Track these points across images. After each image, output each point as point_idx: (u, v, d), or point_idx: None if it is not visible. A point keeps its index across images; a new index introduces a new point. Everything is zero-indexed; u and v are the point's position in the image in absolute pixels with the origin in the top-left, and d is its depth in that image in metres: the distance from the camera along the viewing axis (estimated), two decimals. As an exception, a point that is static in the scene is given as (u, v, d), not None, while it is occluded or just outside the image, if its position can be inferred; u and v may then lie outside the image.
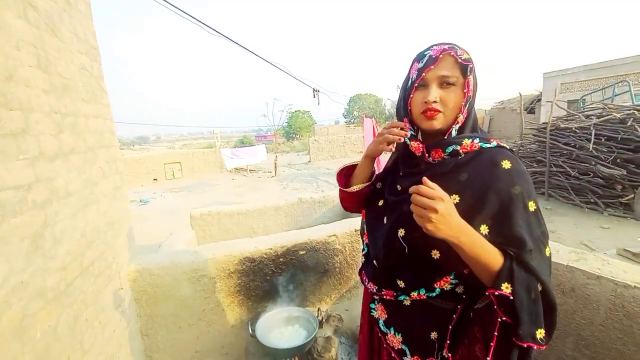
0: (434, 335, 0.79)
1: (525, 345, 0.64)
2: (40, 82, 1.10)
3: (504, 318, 0.66)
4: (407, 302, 0.82)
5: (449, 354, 0.76)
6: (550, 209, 5.70)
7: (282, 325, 1.93)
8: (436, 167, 0.79)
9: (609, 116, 5.25)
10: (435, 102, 0.74)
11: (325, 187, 9.77)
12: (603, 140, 5.22)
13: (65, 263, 1.09)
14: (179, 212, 7.32)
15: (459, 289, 0.77)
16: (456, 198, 0.73)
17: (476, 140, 0.76)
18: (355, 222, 2.37)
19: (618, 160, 5.00)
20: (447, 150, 0.77)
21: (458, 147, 0.76)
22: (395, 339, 0.84)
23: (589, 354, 1.42)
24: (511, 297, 0.63)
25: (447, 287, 0.76)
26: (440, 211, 0.62)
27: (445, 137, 0.78)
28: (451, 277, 0.76)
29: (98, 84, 1.64)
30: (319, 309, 2.00)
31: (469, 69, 0.74)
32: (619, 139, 5.01)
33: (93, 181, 1.41)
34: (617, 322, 1.31)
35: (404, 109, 0.83)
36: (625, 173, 4.83)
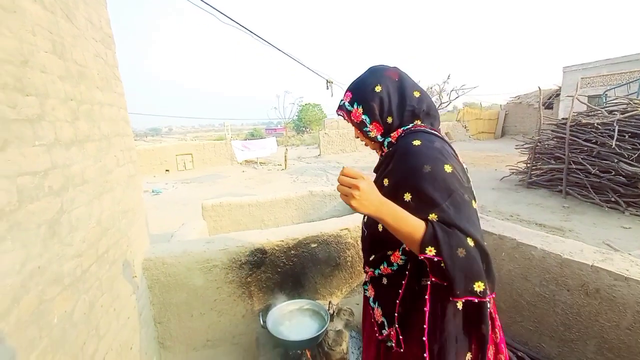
0: (396, 307, 0.88)
1: (464, 300, 0.72)
2: (56, 68, 1.10)
3: (433, 280, 0.74)
4: (385, 281, 0.93)
5: (397, 326, 0.85)
6: (567, 207, 5.52)
7: (292, 317, 1.93)
8: (382, 162, 0.96)
9: (635, 111, 5.02)
10: (357, 138, 1.01)
11: (335, 180, 9.73)
12: (627, 137, 5.00)
13: (81, 250, 1.09)
14: (190, 203, 7.42)
15: (408, 265, 0.85)
16: (386, 181, 0.86)
17: (400, 129, 0.91)
18: (368, 216, 2.33)
19: (642, 158, 4.79)
20: (385, 144, 0.95)
21: (390, 139, 0.93)
22: (378, 313, 0.95)
23: (612, 358, 1.36)
24: (436, 259, 0.70)
25: (400, 262, 0.87)
26: (362, 188, 0.71)
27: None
28: (400, 253, 0.87)
29: (112, 72, 1.63)
30: (330, 302, 1.99)
31: (340, 106, 0.98)
32: (644, 135, 4.79)
33: (108, 169, 1.42)
34: (645, 325, 1.25)
35: None
36: (649, 171, 4.64)
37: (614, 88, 8.74)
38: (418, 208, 0.76)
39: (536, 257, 1.64)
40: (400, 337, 0.85)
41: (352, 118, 0.95)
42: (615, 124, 5.06)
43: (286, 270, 2.05)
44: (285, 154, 13.01)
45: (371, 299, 0.99)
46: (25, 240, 0.87)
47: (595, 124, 5.43)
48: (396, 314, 0.85)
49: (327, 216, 4.18)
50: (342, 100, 0.98)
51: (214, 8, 3.53)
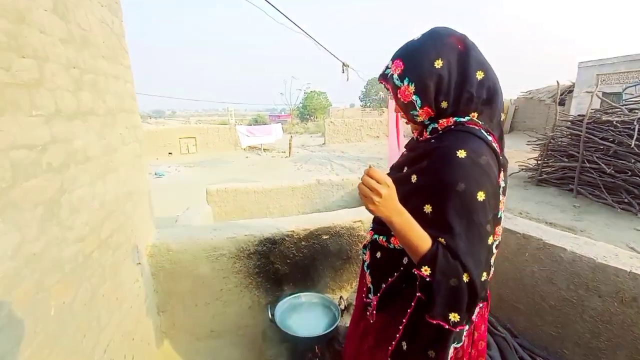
0: (383, 284, 0.89)
1: (435, 322, 0.71)
2: (57, 30, 0.97)
3: (418, 294, 0.73)
4: (379, 255, 0.93)
5: (374, 297, 0.89)
6: (579, 206, 5.40)
7: (301, 311, 1.85)
8: (417, 147, 0.87)
9: (657, 111, 4.83)
10: (397, 112, 0.87)
11: (340, 170, 9.61)
12: (646, 137, 4.83)
13: (83, 234, 1.00)
14: (194, 187, 7.34)
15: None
16: (414, 178, 0.80)
17: (452, 118, 0.79)
18: (382, 208, 2.23)
19: (661, 160, 4.63)
20: (428, 129, 0.83)
21: (436, 125, 0.81)
22: (368, 278, 0.96)
23: (646, 371, 1.28)
24: (428, 279, 0.70)
25: (399, 247, 0.83)
26: (384, 196, 0.68)
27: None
28: None
29: (119, 41, 1.50)
30: (341, 297, 1.91)
31: (385, 76, 0.82)
32: (665, 136, 4.62)
33: (113, 147, 1.31)
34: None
35: None
36: (668, 174, 4.49)
37: (635, 85, 8.45)
38: (432, 225, 0.73)
39: (565, 260, 1.54)
40: (374, 311, 0.89)
41: (399, 96, 0.79)
42: (636, 123, 4.88)
43: (296, 262, 1.96)
44: (290, 142, 12.85)
45: (366, 263, 1.00)
46: (19, 222, 0.77)
47: (615, 122, 5.25)
48: (383, 285, 0.88)
49: (333, 206, 4.09)
50: (387, 69, 0.81)
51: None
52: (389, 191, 0.69)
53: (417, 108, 0.79)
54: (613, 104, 5.79)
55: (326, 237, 2.01)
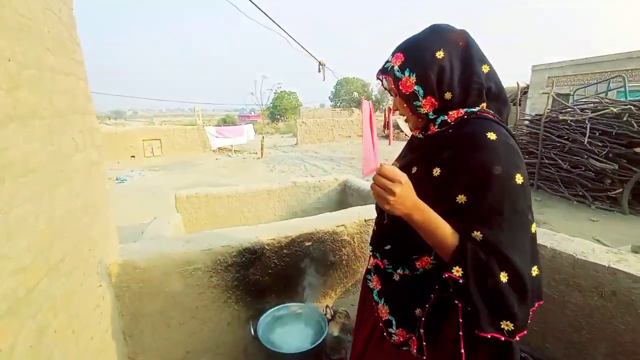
0: (418, 311, 0.80)
1: (489, 336, 0.63)
2: (-16, 14, 0.79)
3: (457, 302, 0.66)
4: (397, 277, 0.85)
5: (422, 330, 0.77)
6: (540, 200, 5.76)
7: (285, 324, 1.75)
8: (426, 143, 0.81)
9: (606, 110, 5.26)
10: (397, 110, 0.83)
11: (314, 170, 9.54)
12: (597, 134, 5.24)
13: (25, 263, 0.82)
14: (160, 192, 6.91)
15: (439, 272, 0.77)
16: (437, 171, 0.74)
17: (462, 109, 0.75)
18: (364, 211, 2.17)
19: (610, 155, 5.05)
20: (437, 123, 0.78)
21: (446, 117, 0.77)
22: (384, 310, 0.87)
23: (624, 360, 1.32)
24: (462, 281, 0.63)
25: (429, 267, 0.78)
26: (398, 194, 0.64)
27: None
28: (432, 258, 0.78)
29: (69, 32, 1.30)
30: (327, 306, 1.83)
31: (385, 69, 0.78)
32: (613, 133, 5.03)
33: (64, 155, 1.12)
34: (665, 330, 1.20)
35: None
36: (616, 168, 4.89)
37: (584, 87, 9.18)
38: (466, 217, 0.67)
39: (545, 257, 1.57)
40: (424, 343, 0.77)
41: (400, 88, 0.76)
42: (587, 122, 5.28)
43: (278, 272, 1.85)
44: (262, 142, 12.57)
45: (375, 291, 0.91)
46: None
47: (569, 121, 5.65)
48: (423, 319, 0.77)
49: (311, 208, 4.00)
50: (387, 63, 0.78)
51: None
52: (403, 188, 0.65)
53: (420, 98, 0.75)
54: (567, 104, 6.24)
55: (309, 243, 1.91)
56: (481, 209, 0.66)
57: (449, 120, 0.76)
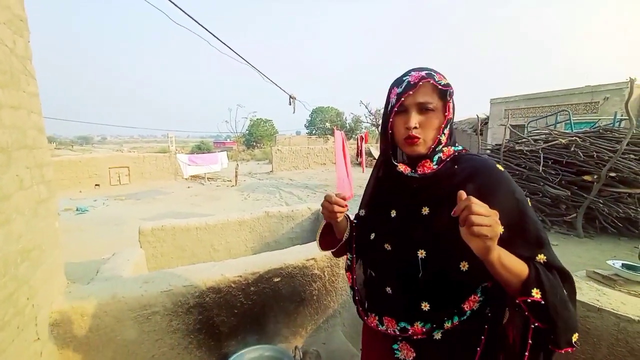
0: None
1: (563, 352, 0.64)
2: None
3: (536, 324, 0.64)
4: (438, 336, 0.76)
5: None
6: (504, 225, 6.01)
7: (252, 369, 1.63)
8: (433, 181, 0.78)
9: (555, 141, 5.75)
10: (415, 127, 0.75)
11: (289, 198, 9.47)
12: (550, 163, 5.68)
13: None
14: (125, 223, 6.51)
15: (486, 309, 0.75)
16: None
17: (451, 148, 0.79)
18: (335, 243, 2.15)
19: (563, 182, 5.45)
20: (434, 160, 0.77)
21: (441, 154, 0.78)
22: None
23: (586, 391, 1.34)
24: (543, 302, 0.62)
25: (476, 306, 0.74)
26: (495, 230, 0.59)
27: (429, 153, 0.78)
28: (478, 295, 0.74)
29: (23, 65, 1.26)
30: (296, 347, 1.74)
31: (448, 94, 0.76)
32: (563, 162, 5.48)
33: (3, 194, 1.03)
34: (621, 358, 1.24)
35: (383, 133, 0.83)
36: (569, 194, 5.28)
37: (536, 119, 10.06)
38: (519, 245, 0.67)
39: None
40: None
41: (446, 112, 0.76)
42: (540, 152, 5.73)
43: (244, 311, 1.75)
44: (236, 170, 12.40)
45: None
46: None
47: (524, 151, 6.10)
48: None
49: (284, 239, 3.92)
50: (443, 82, 0.75)
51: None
52: (499, 223, 0.60)
53: (447, 129, 0.77)
54: (522, 135, 6.76)
55: (277, 279, 1.84)
56: (528, 234, 0.68)
57: (443, 157, 0.78)
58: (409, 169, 0.79)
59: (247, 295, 1.75)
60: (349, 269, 0.99)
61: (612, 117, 7.95)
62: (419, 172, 0.78)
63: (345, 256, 1.04)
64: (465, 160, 0.78)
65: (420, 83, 0.74)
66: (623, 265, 3.85)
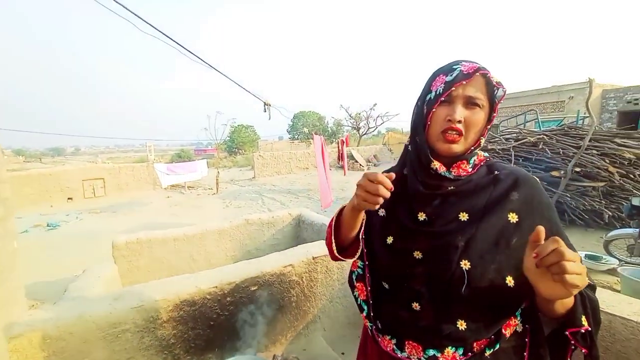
0: None
1: None
2: None
3: (583, 351, 0.60)
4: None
5: None
6: (481, 222, 6.20)
7: (230, 382, 1.60)
8: (473, 186, 0.72)
9: (525, 140, 6.01)
10: (459, 122, 0.67)
11: (272, 204, 9.40)
12: (520, 160, 5.93)
13: None
14: (99, 238, 6.25)
15: (524, 332, 0.71)
16: (514, 217, 0.68)
17: (483, 153, 0.76)
18: (313, 248, 2.16)
19: (533, 178, 5.70)
20: (470, 162, 0.72)
21: (475, 157, 0.74)
22: None
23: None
24: (590, 329, 0.58)
25: (514, 329, 0.70)
26: (585, 280, 0.54)
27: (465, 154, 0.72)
28: (518, 319, 0.71)
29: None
30: (274, 356, 1.72)
31: (499, 94, 0.69)
32: (533, 159, 5.74)
33: (-50, 217, 0.98)
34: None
35: (422, 124, 0.73)
36: (539, 190, 5.52)
37: (508, 119, 10.50)
38: None
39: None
40: None
41: (493, 113, 0.70)
42: (511, 150, 5.98)
43: (221, 322, 1.73)
44: (217, 177, 12.20)
45: None
46: None
47: (497, 149, 6.34)
48: None
49: (265, 246, 3.88)
50: (496, 79, 0.68)
51: (134, 14, 3.09)
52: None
53: (488, 130, 0.72)
54: (494, 134, 7.03)
55: (254, 288, 1.83)
56: (569, 246, 0.64)
57: (477, 161, 0.74)
58: (444, 167, 0.71)
59: (224, 306, 1.73)
60: (360, 278, 0.85)
61: (576, 115, 8.40)
62: (454, 174, 0.71)
63: (335, 262, 0.91)
64: (501, 167, 0.74)
65: (476, 74, 0.66)
66: (586, 255, 4.06)
